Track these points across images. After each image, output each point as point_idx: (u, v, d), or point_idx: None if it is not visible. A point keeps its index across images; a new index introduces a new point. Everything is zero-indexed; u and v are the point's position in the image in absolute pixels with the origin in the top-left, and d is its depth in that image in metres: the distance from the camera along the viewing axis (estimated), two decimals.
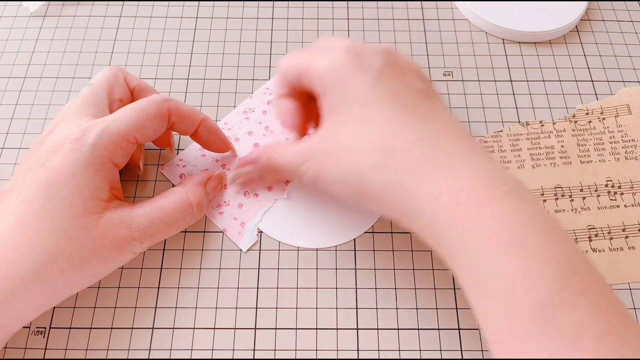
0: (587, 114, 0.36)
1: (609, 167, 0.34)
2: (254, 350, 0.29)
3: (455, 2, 0.41)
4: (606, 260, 0.31)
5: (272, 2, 0.41)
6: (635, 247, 0.31)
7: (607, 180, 0.33)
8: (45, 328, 0.29)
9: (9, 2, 0.41)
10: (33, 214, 0.24)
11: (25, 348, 0.28)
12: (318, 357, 0.28)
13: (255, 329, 0.29)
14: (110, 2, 0.41)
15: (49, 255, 0.24)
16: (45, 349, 0.28)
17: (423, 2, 0.42)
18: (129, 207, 0.27)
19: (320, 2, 0.41)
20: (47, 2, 0.41)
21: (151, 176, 0.33)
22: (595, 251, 0.31)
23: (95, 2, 0.41)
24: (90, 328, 0.29)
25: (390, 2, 0.41)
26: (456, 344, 0.29)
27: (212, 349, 0.29)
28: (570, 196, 0.33)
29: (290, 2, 0.41)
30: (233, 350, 0.29)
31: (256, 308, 0.30)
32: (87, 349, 0.28)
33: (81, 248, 0.25)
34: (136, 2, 0.41)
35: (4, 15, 0.40)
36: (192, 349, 0.29)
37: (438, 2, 0.42)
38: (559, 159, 0.34)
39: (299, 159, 0.27)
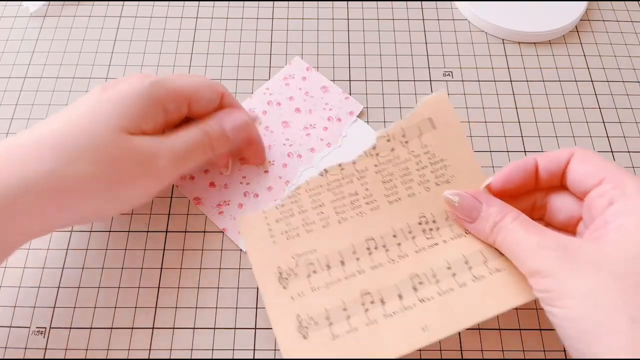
0: (388, 140, 0.30)
1: (420, 200, 0.30)
2: (254, 350, 0.29)
3: (455, 2, 0.41)
4: (437, 308, 0.27)
5: (272, 2, 0.41)
6: (467, 284, 0.27)
7: (420, 218, 0.29)
8: (45, 328, 0.29)
9: (9, 2, 0.41)
10: (72, 118, 0.25)
11: (26, 348, 0.28)
12: None
13: (255, 329, 0.29)
14: (111, 2, 0.41)
15: (68, 157, 0.24)
16: (46, 349, 0.28)
17: (423, 2, 0.42)
18: (157, 135, 0.27)
19: (320, 2, 0.41)
20: (47, 2, 0.41)
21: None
22: (424, 301, 0.27)
23: (96, 2, 0.41)
24: (90, 328, 0.29)
25: (390, 2, 0.41)
26: (456, 344, 0.29)
27: (212, 349, 0.29)
28: (385, 246, 0.29)
29: (290, 2, 0.41)
30: (233, 350, 0.29)
31: (256, 308, 0.30)
32: (87, 349, 0.28)
33: (106, 157, 0.25)
34: (136, 2, 0.41)
35: (4, 15, 0.40)
36: (192, 349, 0.29)
37: (438, 2, 0.42)
38: (365, 205, 0.30)
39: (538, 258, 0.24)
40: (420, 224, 0.29)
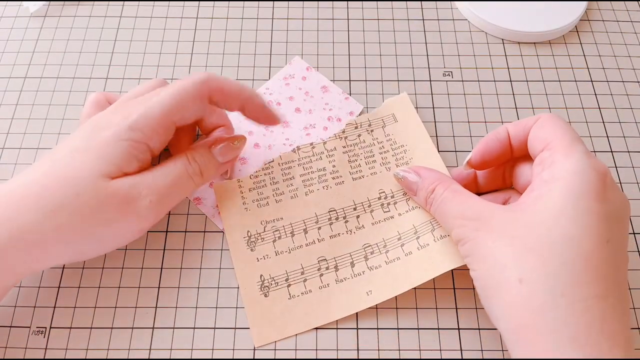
0: (356, 128, 0.34)
1: (381, 178, 0.33)
2: (254, 350, 0.29)
3: (455, 2, 0.41)
4: (382, 274, 0.30)
5: (272, 2, 0.41)
6: (412, 252, 0.30)
7: (379, 193, 0.32)
8: (45, 328, 0.29)
9: (9, 2, 0.41)
10: (54, 169, 0.26)
11: (26, 348, 0.28)
12: (318, 357, 0.28)
13: None
14: (111, 3, 0.41)
15: (52, 207, 0.25)
16: (46, 349, 0.28)
17: (423, 2, 0.42)
18: (137, 175, 0.27)
19: (320, 2, 0.41)
20: (47, 3, 0.41)
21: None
22: (372, 269, 0.30)
23: (96, 3, 0.41)
24: (91, 328, 0.29)
25: (390, 2, 0.41)
26: (456, 344, 0.29)
27: (212, 349, 0.29)
28: (345, 217, 0.32)
29: (290, 2, 0.41)
30: (233, 350, 0.29)
31: None
32: (87, 349, 0.28)
33: (85, 206, 0.25)
34: (136, 2, 0.41)
35: (4, 16, 0.40)
36: (192, 349, 0.29)
37: (438, 2, 0.42)
38: (331, 180, 0.33)
39: (466, 216, 0.26)
40: (379, 198, 0.32)
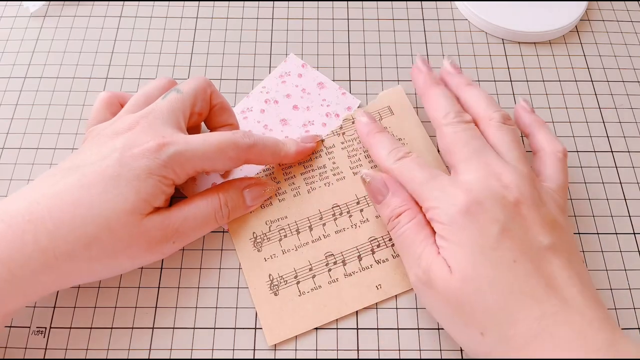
0: (352, 122, 0.35)
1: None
2: (254, 350, 0.29)
3: (455, 2, 0.41)
4: (391, 268, 0.30)
5: (272, 2, 0.41)
6: None
7: None
8: (45, 328, 0.29)
9: (9, 2, 0.41)
10: (87, 199, 0.25)
11: (26, 348, 0.28)
12: (318, 357, 0.28)
13: (255, 328, 0.29)
14: (111, 2, 0.41)
15: (87, 240, 0.25)
16: (46, 349, 0.28)
17: (423, 2, 0.42)
18: (167, 209, 0.28)
19: (320, 2, 0.41)
20: (47, 2, 0.41)
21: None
22: (380, 262, 0.30)
23: (96, 2, 0.41)
24: (90, 328, 0.29)
25: (390, 2, 0.41)
26: (456, 344, 0.29)
27: (212, 349, 0.29)
28: (349, 212, 0.32)
29: (290, 2, 0.41)
30: (233, 350, 0.29)
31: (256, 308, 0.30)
32: (87, 349, 0.28)
33: (118, 241, 0.26)
34: (136, 2, 0.41)
35: (4, 15, 0.40)
36: (192, 349, 0.29)
37: (438, 2, 0.42)
38: (332, 176, 0.33)
39: (420, 256, 0.26)
40: None
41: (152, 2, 0.41)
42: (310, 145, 0.33)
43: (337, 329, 0.29)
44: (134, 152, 0.26)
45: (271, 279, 0.30)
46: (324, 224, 0.32)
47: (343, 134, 0.35)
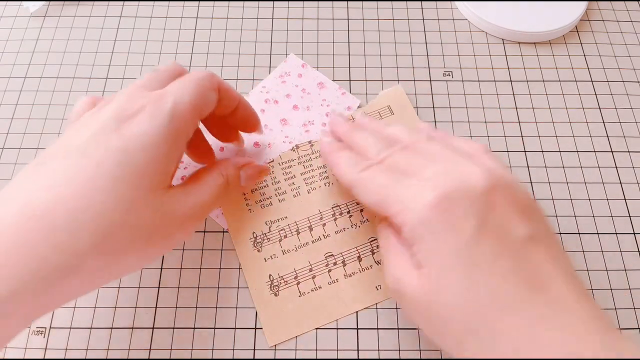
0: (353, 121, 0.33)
1: None
2: (254, 350, 0.29)
3: (455, 2, 0.41)
4: None
5: (272, 2, 0.41)
6: None
7: None
8: (45, 328, 0.29)
9: (9, 2, 0.41)
10: (101, 181, 0.21)
11: (26, 348, 0.28)
12: (318, 357, 0.28)
13: (255, 328, 0.29)
14: (111, 2, 0.41)
15: (113, 228, 0.21)
16: (46, 349, 0.28)
17: (423, 2, 0.42)
18: (181, 187, 0.25)
19: (320, 2, 0.41)
20: (47, 2, 0.41)
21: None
22: (379, 263, 0.30)
23: (96, 2, 0.41)
24: (90, 328, 0.29)
25: (390, 2, 0.41)
26: None
27: (212, 349, 0.29)
28: (349, 212, 0.32)
29: (290, 2, 0.41)
30: (233, 350, 0.29)
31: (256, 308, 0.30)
32: (87, 349, 0.28)
33: (148, 223, 0.23)
34: (136, 2, 0.41)
35: (4, 15, 0.40)
36: (192, 349, 0.29)
37: (438, 2, 0.42)
38: (332, 176, 0.33)
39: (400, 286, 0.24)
40: None
41: (152, 2, 0.41)
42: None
43: (337, 329, 0.29)
44: (137, 118, 0.23)
45: (271, 279, 0.30)
46: (324, 224, 0.32)
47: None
